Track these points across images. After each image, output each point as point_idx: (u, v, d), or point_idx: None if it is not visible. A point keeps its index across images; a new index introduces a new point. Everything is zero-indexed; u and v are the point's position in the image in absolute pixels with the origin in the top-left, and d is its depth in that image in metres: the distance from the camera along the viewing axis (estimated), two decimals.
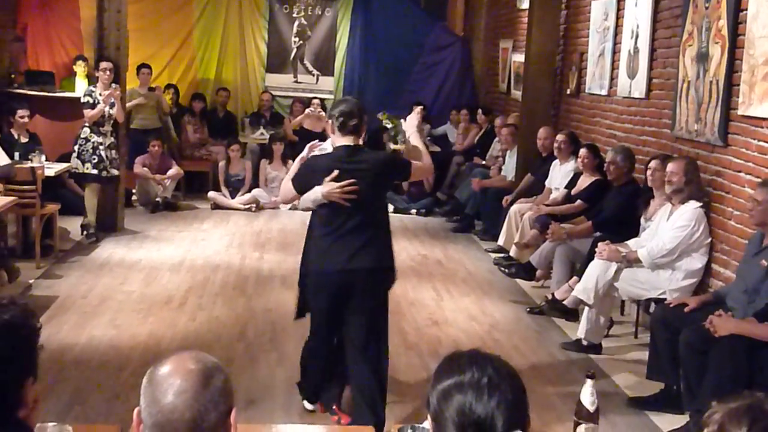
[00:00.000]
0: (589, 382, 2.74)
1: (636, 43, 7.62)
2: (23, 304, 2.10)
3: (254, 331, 6.41)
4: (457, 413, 1.77)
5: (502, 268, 8.04)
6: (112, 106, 8.66)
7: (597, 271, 6.14)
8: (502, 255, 8.68)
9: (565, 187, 8.14)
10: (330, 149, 4.73)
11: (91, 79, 10.02)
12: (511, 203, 8.87)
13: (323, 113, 12.06)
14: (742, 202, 5.51)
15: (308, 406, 5.00)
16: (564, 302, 6.72)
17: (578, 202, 7.75)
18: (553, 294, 7.02)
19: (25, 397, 2.03)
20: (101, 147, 8.65)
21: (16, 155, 8.04)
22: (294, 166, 4.91)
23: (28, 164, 7.89)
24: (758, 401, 1.72)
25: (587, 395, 2.73)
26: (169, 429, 1.82)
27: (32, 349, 2.08)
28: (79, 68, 11.01)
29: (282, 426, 4.43)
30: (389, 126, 12.38)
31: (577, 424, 2.74)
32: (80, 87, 10.40)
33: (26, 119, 8.50)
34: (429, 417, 1.86)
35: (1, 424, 1.98)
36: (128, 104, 10.12)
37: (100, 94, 8.61)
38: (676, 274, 5.93)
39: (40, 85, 10.81)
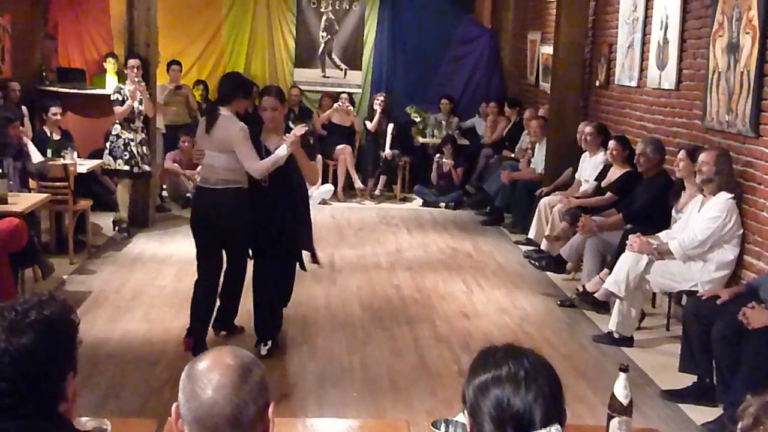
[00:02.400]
0: (622, 375, 2.74)
1: (666, 33, 7.56)
2: (62, 300, 2.14)
3: (285, 324, 6.44)
4: (495, 407, 1.77)
5: (533, 261, 8.02)
6: (140, 102, 8.73)
7: (628, 263, 6.11)
8: (532, 248, 8.66)
9: (595, 179, 8.11)
10: None
11: (122, 76, 10.11)
12: (546, 195, 8.84)
13: (351, 107, 12.11)
14: None
15: None
16: (595, 295, 6.68)
17: (608, 194, 7.71)
18: (584, 286, 7.00)
19: (66, 392, 2.06)
20: (132, 143, 8.73)
21: (49, 152, 8.13)
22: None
23: (61, 161, 7.98)
24: None
25: (621, 388, 2.73)
26: (210, 424, 1.84)
27: (72, 343, 2.11)
28: (110, 65, 11.11)
29: (315, 420, 4.46)
30: (417, 120, 12.41)
31: (610, 418, 2.74)
32: (110, 84, 10.50)
33: (59, 116, 8.61)
34: (465, 412, 1.86)
35: (43, 418, 2.01)
36: (159, 99, 10.18)
37: (129, 91, 8.69)
38: (708, 266, 5.90)
39: (72, 82, 10.95)
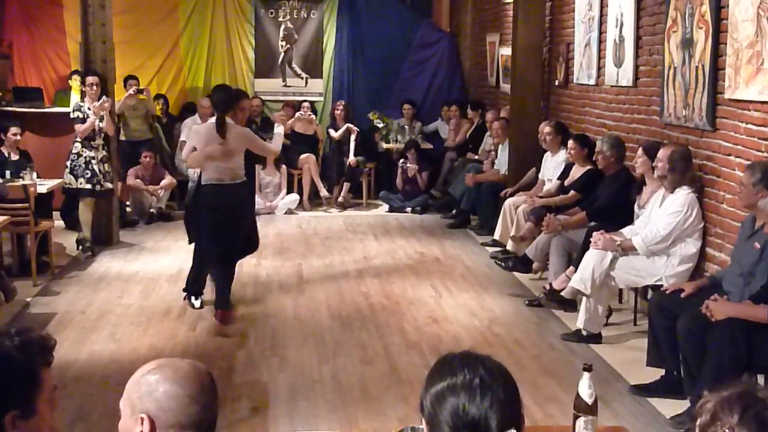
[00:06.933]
0: (586, 375, 2.75)
1: (621, 31, 7.63)
2: (39, 337, 2.06)
3: (254, 337, 6.42)
4: (451, 415, 1.78)
5: (499, 262, 8.04)
6: (101, 119, 8.64)
7: (593, 260, 6.15)
8: (498, 249, 8.69)
9: (558, 178, 8.16)
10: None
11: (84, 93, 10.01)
12: (511, 195, 8.88)
13: (313, 116, 12.08)
14: (734, 185, 5.52)
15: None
16: (562, 293, 6.74)
17: (572, 192, 7.76)
18: (550, 285, 7.03)
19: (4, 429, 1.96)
20: (93, 161, 8.63)
21: (7, 173, 8.02)
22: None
23: (20, 182, 7.87)
24: (750, 388, 1.73)
25: (585, 388, 2.74)
26: (205, 426, 2.00)
27: (23, 384, 2.00)
28: (75, 82, 11.00)
29: None
30: (380, 125, 12.41)
31: (576, 417, 2.75)
32: (75, 101, 10.37)
33: (18, 137, 8.47)
34: (423, 420, 1.87)
35: None
36: (117, 107, 9.94)
37: (89, 108, 8.60)
38: (671, 260, 5.95)
39: (29, 101, 10.81)
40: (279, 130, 7.17)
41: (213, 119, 6.70)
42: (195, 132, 6.89)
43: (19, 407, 1.99)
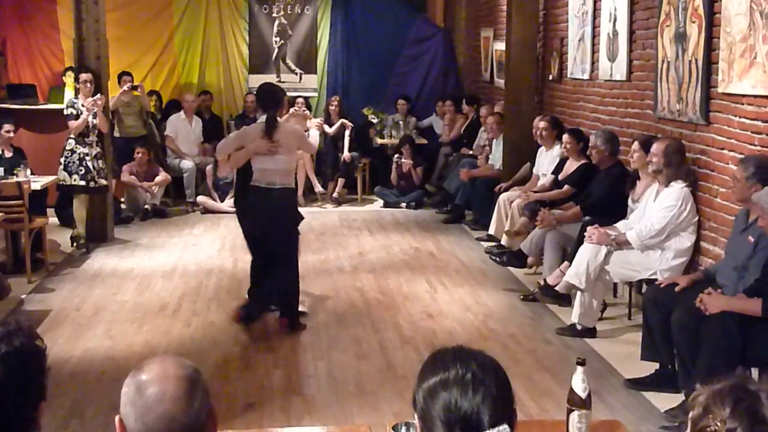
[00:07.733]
0: (579, 369, 2.76)
1: (615, 26, 7.63)
2: (28, 326, 2.10)
3: (249, 334, 6.41)
4: (444, 410, 1.78)
5: (494, 257, 8.04)
6: (95, 116, 8.62)
7: (587, 255, 6.16)
8: (493, 244, 8.70)
9: (552, 173, 8.16)
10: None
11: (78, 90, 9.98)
12: (505, 190, 8.89)
13: (308, 112, 12.05)
14: (727, 179, 5.52)
15: None
16: (556, 288, 6.73)
17: (566, 187, 7.77)
18: (545, 280, 7.04)
19: (38, 421, 2.04)
20: (87, 158, 8.62)
21: (1, 170, 8.00)
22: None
23: (14, 179, 7.85)
24: (742, 381, 1.73)
25: (578, 382, 2.74)
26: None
27: (43, 373, 2.07)
28: (69, 79, 10.96)
29: (281, 429, 4.45)
30: (375, 120, 12.41)
31: (570, 411, 2.75)
32: (69, 98, 10.34)
33: (12, 134, 8.46)
34: (416, 416, 1.87)
35: None
36: (111, 103, 9.91)
37: (82, 105, 8.58)
38: (666, 254, 5.96)
39: (23, 98, 10.79)
40: (315, 133, 6.79)
41: (262, 118, 6.37)
42: (243, 132, 6.47)
43: (45, 398, 2.06)
